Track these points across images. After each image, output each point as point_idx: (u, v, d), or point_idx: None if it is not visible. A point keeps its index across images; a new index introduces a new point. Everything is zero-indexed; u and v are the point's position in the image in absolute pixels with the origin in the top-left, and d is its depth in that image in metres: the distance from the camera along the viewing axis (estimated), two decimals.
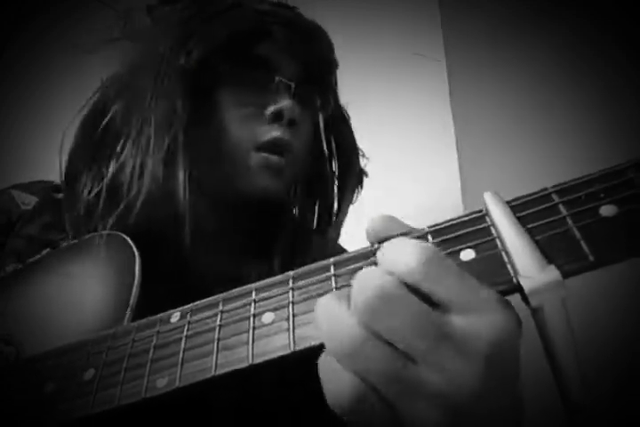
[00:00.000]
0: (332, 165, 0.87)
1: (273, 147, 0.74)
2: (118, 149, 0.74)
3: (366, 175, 0.90)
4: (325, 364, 0.37)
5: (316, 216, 0.86)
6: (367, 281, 0.35)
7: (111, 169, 0.74)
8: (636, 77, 1.56)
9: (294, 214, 0.87)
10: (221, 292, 0.50)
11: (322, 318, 0.37)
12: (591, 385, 0.37)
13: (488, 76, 1.85)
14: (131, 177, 0.71)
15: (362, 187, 0.89)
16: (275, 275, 0.69)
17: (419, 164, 1.79)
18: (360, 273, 0.36)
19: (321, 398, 0.37)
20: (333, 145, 0.86)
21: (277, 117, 0.75)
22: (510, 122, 1.77)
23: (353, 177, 0.87)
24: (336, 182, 0.87)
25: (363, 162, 0.91)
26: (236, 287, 0.49)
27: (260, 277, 0.48)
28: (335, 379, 0.36)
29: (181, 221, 0.69)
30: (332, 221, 0.85)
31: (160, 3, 0.83)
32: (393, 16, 1.98)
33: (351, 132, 0.91)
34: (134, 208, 0.69)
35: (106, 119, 0.77)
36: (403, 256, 0.36)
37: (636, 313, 1.29)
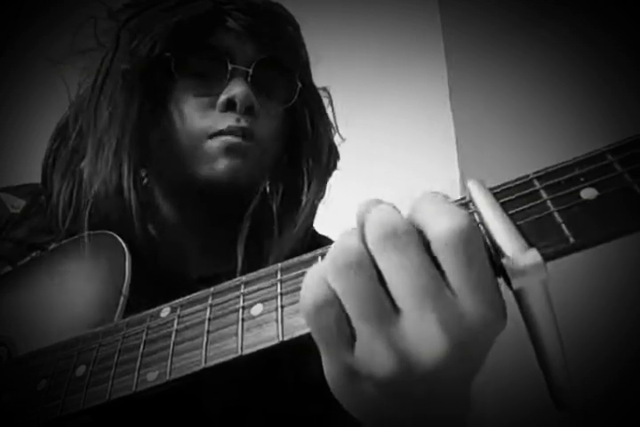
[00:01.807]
0: (302, 151, 0.83)
1: (229, 134, 0.72)
2: (76, 153, 0.75)
3: (338, 158, 0.86)
4: (314, 270, 0.38)
5: (280, 205, 0.81)
6: (384, 212, 0.37)
7: (77, 172, 0.75)
8: (637, 77, 1.56)
9: (261, 203, 0.81)
10: (198, 283, 0.50)
11: (341, 239, 0.38)
12: (575, 371, 0.37)
13: (487, 75, 1.85)
14: (86, 182, 0.72)
15: (333, 171, 0.85)
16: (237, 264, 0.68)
17: (418, 160, 1.79)
18: (387, 207, 0.37)
19: (312, 393, 0.38)
20: (304, 129, 0.83)
21: (230, 105, 0.73)
22: (510, 119, 1.77)
23: (320, 162, 0.83)
24: (306, 169, 0.82)
25: (337, 142, 0.87)
26: (208, 280, 0.50)
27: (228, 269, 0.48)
28: (314, 282, 0.37)
29: (132, 218, 0.70)
30: (299, 211, 0.80)
31: (125, 6, 0.81)
32: (393, 16, 1.99)
33: (323, 115, 0.87)
34: (85, 211, 0.70)
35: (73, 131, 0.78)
36: (441, 222, 0.36)
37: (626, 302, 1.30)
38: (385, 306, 0.36)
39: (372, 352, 0.36)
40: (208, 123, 0.73)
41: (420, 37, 1.97)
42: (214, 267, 0.75)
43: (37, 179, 0.81)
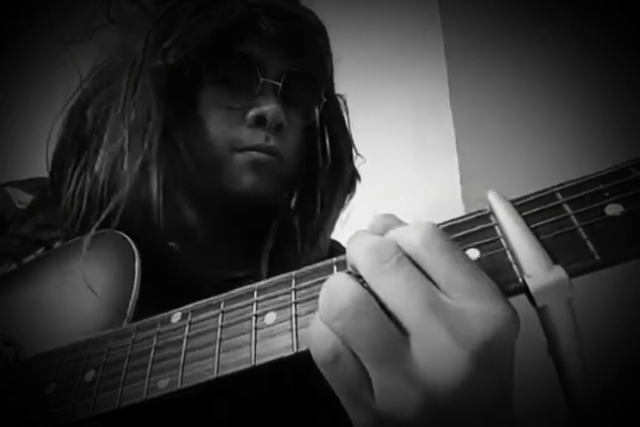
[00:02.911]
0: (323, 167, 0.83)
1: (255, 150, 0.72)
2: (95, 152, 0.73)
3: (359, 179, 0.87)
4: (317, 322, 0.38)
5: (301, 217, 0.82)
6: (365, 243, 0.38)
7: (94, 171, 0.72)
8: (637, 77, 1.56)
9: (283, 216, 0.82)
10: (213, 292, 0.49)
11: (327, 282, 0.38)
12: (595, 387, 0.37)
13: (487, 75, 1.85)
14: (103, 182, 0.70)
15: (354, 190, 0.86)
16: (262, 276, 0.68)
17: (418, 160, 1.79)
18: (364, 235, 0.38)
19: (320, 401, 0.37)
20: (326, 145, 0.83)
21: (260, 122, 0.72)
22: (510, 119, 1.77)
23: (343, 180, 0.83)
24: (325, 183, 0.83)
25: (357, 162, 0.87)
26: (226, 289, 0.49)
27: (249, 279, 0.48)
28: (319, 334, 0.37)
29: (158, 224, 0.68)
30: (317, 224, 0.81)
31: None
32: (393, 16, 1.98)
33: (345, 130, 0.87)
34: (117, 215, 0.68)
35: (80, 117, 0.76)
36: (411, 230, 0.37)
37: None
38: (393, 338, 0.35)
39: (392, 392, 0.35)
40: (236, 136, 0.72)
41: (420, 37, 1.96)
42: (232, 273, 0.74)
43: (44, 173, 0.80)
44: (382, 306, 0.36)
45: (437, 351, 0.34)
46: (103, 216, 0.68)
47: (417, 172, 1.76)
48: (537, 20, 1.77)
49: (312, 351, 0.37)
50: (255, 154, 0.72)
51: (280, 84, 0.74)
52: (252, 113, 0.72)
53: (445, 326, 0.34)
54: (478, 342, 0.33)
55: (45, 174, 0.86)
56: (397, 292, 0.35)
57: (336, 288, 0.36)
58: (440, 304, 0.35)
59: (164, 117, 0.70)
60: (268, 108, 0.72)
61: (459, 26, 1.94)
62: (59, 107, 0.79)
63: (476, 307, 0.34)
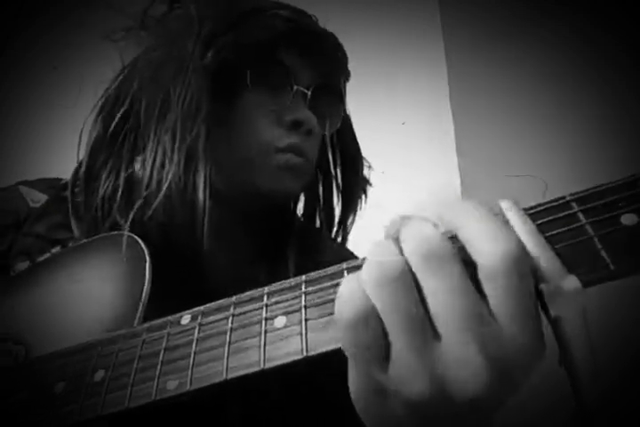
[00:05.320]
0: (337, 174, 0.88)
1: (291, 151, 0.75)
2: (140, 145, 0.74)
3: (370, 184, 0.91)
4: (351, 281, 0.37)
5: (319, 221, 0.88)
6: (426, 228, 0.36)
7: (135, 166, 0.74)
8: (637, 77, 1.56)
9: (299, 217, 0.88)
10: (236, 294, 0.49)
11: (375, 247, 0.37)
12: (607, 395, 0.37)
13: (487, 75, 1.85)
14: (151, 174, 0.70)
15: (366, 195, 0.90)
16: (288, 276, 0.68)
17: (418, 161, 1.79)
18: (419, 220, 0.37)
19: (328, 404, 0.37)
20: (338, 155, 0.88)
21: (295, 126, 0.76)
22: (510, 122, 1.77)
23: (357, 186, 0.89)
24: (339, 190, 0.89)
25: (366, 171, 0.91)
26: (250, 289, 0.49)
27: (273, 279, 0.48)
28: (354, 292, 0.36)
29: (199, 223, 0.69)
30: (334, 227, 0.87)
31: None
32: (393, 16, 1.98)
33: (356, 142, 0.92)
34: (151, 204, 0.68)
35: (118, 113, 0.76)
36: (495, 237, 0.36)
37: None
38: (426, 326, 0.35)
39: (407, 372, 0.35)
40: (275, 136, 0.75)
41: (420, 37, 1.96)
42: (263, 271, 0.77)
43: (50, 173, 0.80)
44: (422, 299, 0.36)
45: (465, 361, 0.34)
46: (138, 203, 0.69)
47: (416, 171, 1.76)
48: (537, 20, 1.78)
49: (338, 309, 0.36)
50: (292, 156, 0.75)
51: (309, 93, 0.78)
52: (290, 117, 0.76)
53: (479, 342, 0.34)
54: (505, 365, 0.34)
55: (46, 174, 0.86)
56: (444, 295, 0.35)
57: (386, 259, 0.36)
58: (482, 322, 0.34)
59: (211, 113, 0.72)
60: (303, 113, 0.76)
61: (459, 26, 1.94)
62: (58, 107, 0.79)
63: (513, 334, 0.34)
